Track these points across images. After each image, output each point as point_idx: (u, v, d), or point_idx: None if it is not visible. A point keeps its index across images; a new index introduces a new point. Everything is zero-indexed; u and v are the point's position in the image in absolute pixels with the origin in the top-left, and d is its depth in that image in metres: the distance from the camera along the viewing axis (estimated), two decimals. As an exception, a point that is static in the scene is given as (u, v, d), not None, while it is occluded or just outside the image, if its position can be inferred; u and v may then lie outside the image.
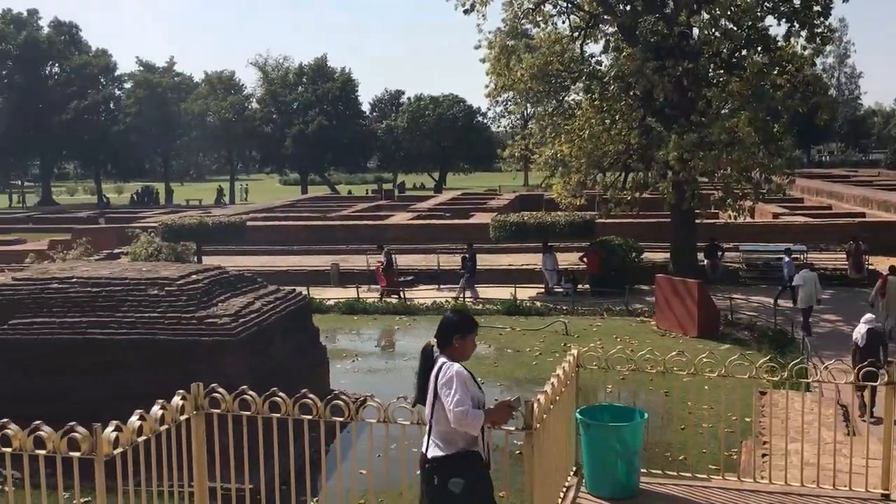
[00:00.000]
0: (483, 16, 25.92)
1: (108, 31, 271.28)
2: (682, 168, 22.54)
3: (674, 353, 7.15)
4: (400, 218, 38.92)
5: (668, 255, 26.73)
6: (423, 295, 24.83)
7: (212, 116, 74.43)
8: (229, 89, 76.07)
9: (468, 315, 5.30)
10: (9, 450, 4.44)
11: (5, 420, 4.45)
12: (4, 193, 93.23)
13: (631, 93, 24.40)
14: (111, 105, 77.32)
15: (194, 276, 13.72)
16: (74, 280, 13.41)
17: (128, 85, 78.70)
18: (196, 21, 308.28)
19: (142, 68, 77.73)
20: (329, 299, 23.85)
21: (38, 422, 4.42)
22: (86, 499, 5.87)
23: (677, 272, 23.16)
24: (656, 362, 6.82)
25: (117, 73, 79.64)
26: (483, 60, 26.35)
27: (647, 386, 11.86)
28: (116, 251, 31.01)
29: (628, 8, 25.20)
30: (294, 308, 14.67)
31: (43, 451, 4.38)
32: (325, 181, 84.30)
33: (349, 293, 24.66)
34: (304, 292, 17.56)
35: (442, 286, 26.16)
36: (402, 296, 24.38)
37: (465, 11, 25.69)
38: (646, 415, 6.03)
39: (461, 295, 24.45)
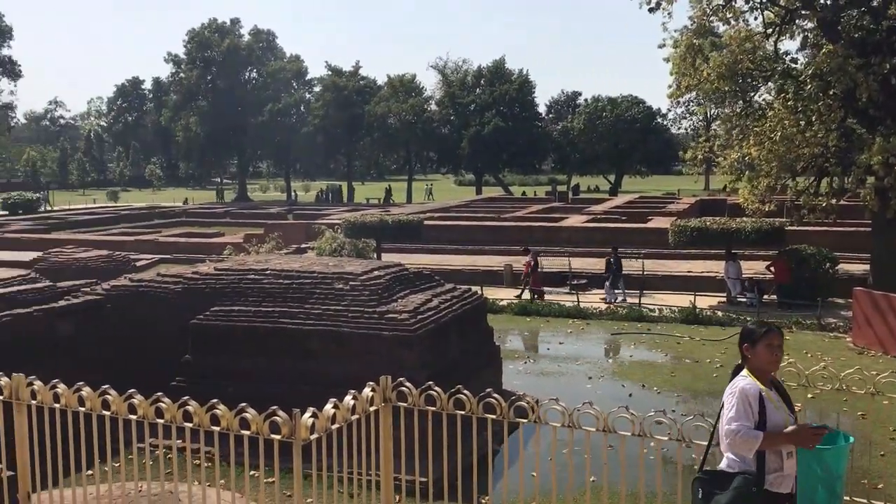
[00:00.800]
0: (669, 14, 25.06)
1: (300, 37, 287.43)
2: (886, 173, 20.77)
3: (885, 373, 6.58)
4: (574, 220, 38.52)
5: (867, 266, 24.78)
6: (595, 299, 24.47)
7: (393, 118, 77.06)
8: (410, 92, 78.44)
9: (756, 322, 5.12)
10: (217, 429, 4.77)
11: (215, 400, 4.79)
12: (207, 189, 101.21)
13: (830, 92, 22.76)
14: (301, 108, 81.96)
15: (376, 272, 14.22)
16: (269, 272, 14.26)
17: (317, 88, 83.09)
18: (380, 27, 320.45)
19: (330, 72, 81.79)
20: (502, 299, 24.01)
21: (243, 404, 4.72)
22: (269, 479, 6.24)
23: (878, 286, 21.37)
24: (865, 382, 6.30)
25: (308, 77, 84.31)
26: (667, 60, 25.54)
27: (841, 406, 11.03)
28: (303, 246, 32.80)
29: (829, 2, 23.54)
30: (470, 307, 14.86)
31: (247, 432, 4.68)
32: (500, 182, 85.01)
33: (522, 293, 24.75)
34: (479, 291, 17.75)
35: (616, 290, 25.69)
36: (542, 298, 24.43)
37: (651, 10, 24.94)
38: (851, 438, 5.59)
39: (613, 299, 24.39)
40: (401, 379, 5.33)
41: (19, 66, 57.33)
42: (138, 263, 29.59)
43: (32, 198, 65.74)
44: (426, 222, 33.17)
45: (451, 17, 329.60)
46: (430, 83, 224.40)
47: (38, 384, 5.46)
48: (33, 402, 5.47)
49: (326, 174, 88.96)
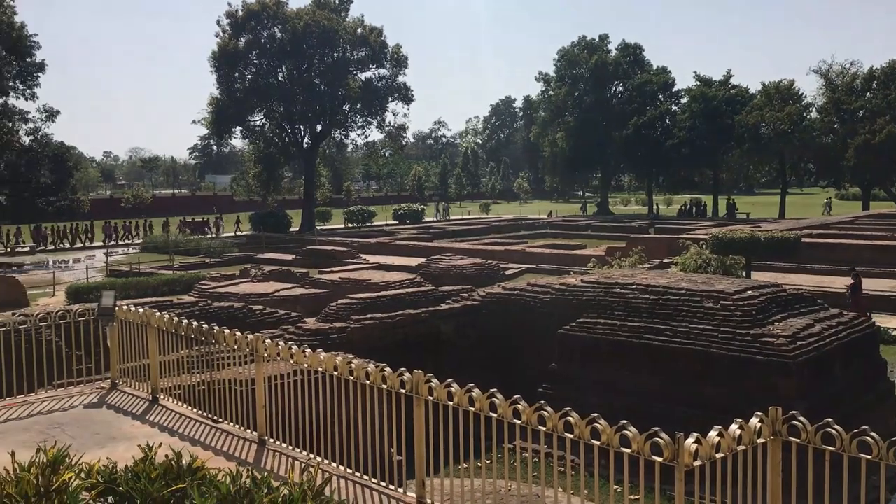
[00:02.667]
0: None
1: (668, 49, 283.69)
2: None
3: None
4: None
5: None
6: None
7: (765, 128, 72.41)
8: (787, 99, 73.08)
9: None
10: (597, 443, 4.81)
11: (595, 415, 4.83)
12: (569, 202, 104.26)
13: None
14: (667, 120, 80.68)
15: (750, 292, 13.40)
16: (635, 286, 14.17)
17: (684, 100, 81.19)
18: (754, 33, 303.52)
19: (698, 83, 79.42)
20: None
21: (624, 421, 4.69)
22: (633, 497, 6.15)
23: None
24: None
25: (675, 89, 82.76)
26: None
27: None
28: (666, 261, 32.14)
29: None
30: (858, 335, 13.35)
31: (627, 451, 4.65)
32: (892, 196, 75.41)
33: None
34: (871, 320, 15.84)
35: None
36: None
37: None
38: None
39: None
40: (793, 412, 4.90)
41: (412, 91, 64.31)
42: (507, 272, 31.34)
43: (418, 209, 73.21)
44: (804, 239, 30.54)
45: (836, 14, 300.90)
46: (810, 89, 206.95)
47: (434, 382, 6.00)
48: (430, 398, 6.02)
49: (690, 187, 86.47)
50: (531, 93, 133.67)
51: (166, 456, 3.01)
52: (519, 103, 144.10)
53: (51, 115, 46.19)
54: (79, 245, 54.16)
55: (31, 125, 46.04)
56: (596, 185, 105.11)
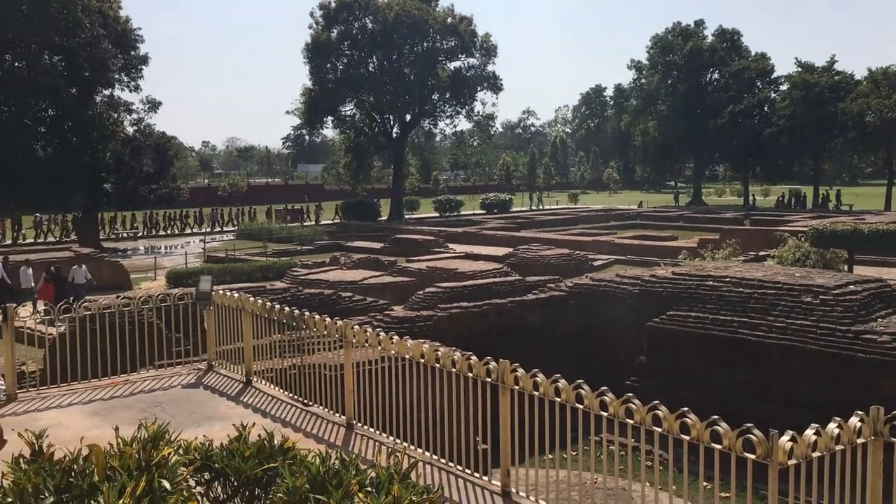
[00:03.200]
0: None
1: (768, 34, 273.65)
2: None
3: None
4: None
5: None
6: None
7: (871, 116, 69.05)
8: (895, 86, 69.46)
9: None
10: (686, 438, 4.71)
11: (685, 409, 4.73)
12: (661, 193, 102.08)
13: None
14: (765, 108, 77.86)
15: (851, 287, 12.86)
16: (729, 279, 13.79)
17: (784, 87, 78.18)
18: (860, 17, 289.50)
19: (800, 69, 76.33)
20: None
21: (714, 416, 4.59)
22: (724, 494, 6.00)
23: None
24: None
25: (774, 75, 79.77)
26: None
27: None
28: (762, 253, 31.09)
29: None
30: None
31: (718, 447, 4.54)
32: None
33: None
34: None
35: None
36: None
37: None
38: None
39: None
40: (896, 413, 4.69)
41: (501, 80, 64.07)
42: (595, 263, 30.97)
43: (506, 198, 73.05)
44: (911, 233, 29.00)
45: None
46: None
47: (520, 371, 6.00)
48: (515, 387, 6.02)
49: (788, 178, 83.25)
50: (622, 81, 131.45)
51: (259, 436, 3.12)
52: (609, 92, 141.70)
53: (153, 106, 48.04)
54: (176, 232, 56.52)
55: (134, 116, 48.07)
56: (689, 175, 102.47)
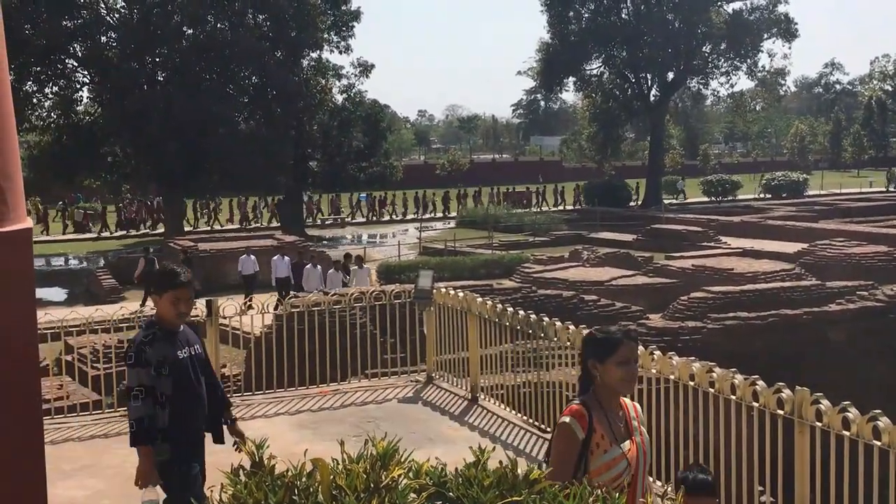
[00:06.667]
0: None
1: None
2: None
3: None
4: None
5: None
6: None
7: None
8: None
9: None
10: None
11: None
12: None
13: None
14: None
15: None
16: None
17: None
18: None
19: None
20: None
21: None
22: None
23: None
24: None
25: None
26: None
27: None
28: None
29: None
30: None
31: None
32: None
33: None
34: None
35: None
36: None
37: None
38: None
39: None
40: None
41: (796, 24, 60.79)
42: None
43: (800, 179, 69.47)
44: None
45: None
46: None
47: (825, 403, 5.73)
48: (818, 424, 5.77)
49: None
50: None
51: (500, 462, 3.25)
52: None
53: (365, 69, 50.57)
54: (385, 219, 59.26)
55: (344, 82, 50.89)
56: None
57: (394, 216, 60.24)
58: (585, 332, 4.55)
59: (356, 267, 23.71)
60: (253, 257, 27.53)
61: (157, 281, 5.76)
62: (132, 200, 56.30)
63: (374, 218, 59.59)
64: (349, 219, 58.94)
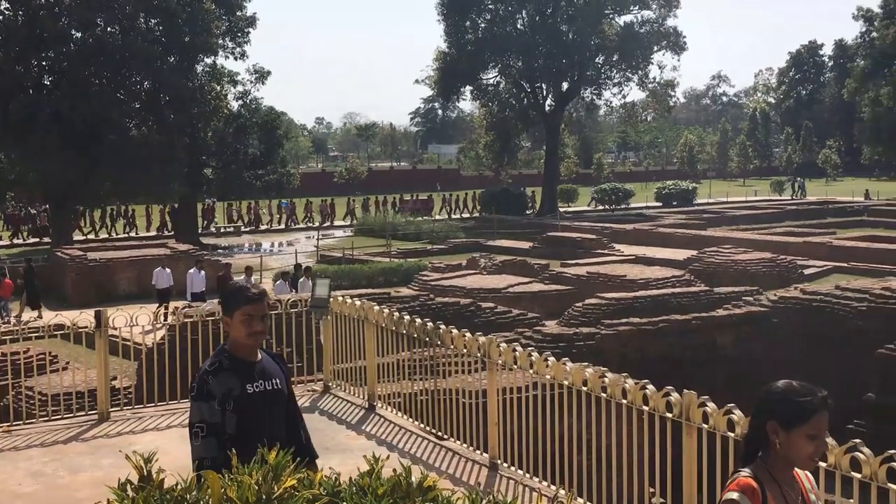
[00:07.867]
0: None
1: None
2: None
3: None
4: None
5: None
6: None
7: None
8: None
9: None
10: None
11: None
12: None
13: None
14: None
15: None
16: None
17: None
18: None
19: None
20: None
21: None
22: None
23: None
24: None
25: None
26: None
27: None
28: None
29: None
30: None
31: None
32: None
33: None
34: None
35: None
36: None
37: None
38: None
39: None
40: None
41: (684, 37, 62.52)
42: (806, 271, 29.89)
43: (688, 188, 71.45)
44: None
45: None
46: None
47: (710, 406, 5.91)
48: (704, 426, 5.94)
49: None
50: (845, 36, 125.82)
51: (394, 470, 3.26)
52: (828, 50, 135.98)
53: (261, 76, 50.10)
54: (282, 227, 58.77)
55: (239, 88, 50.31)
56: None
57: (295, 224, 59.83)
58: (767, 387, 3.59)
59: (304, 278, 23.45)
60: (168, 270, 26.63)
61: (224, 300, 4.99)
62: (17, 208, 54.49)
63: (294, 224, 59.11)
64: (269, 226, 58.36)
